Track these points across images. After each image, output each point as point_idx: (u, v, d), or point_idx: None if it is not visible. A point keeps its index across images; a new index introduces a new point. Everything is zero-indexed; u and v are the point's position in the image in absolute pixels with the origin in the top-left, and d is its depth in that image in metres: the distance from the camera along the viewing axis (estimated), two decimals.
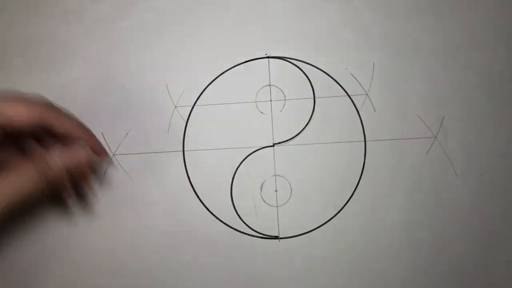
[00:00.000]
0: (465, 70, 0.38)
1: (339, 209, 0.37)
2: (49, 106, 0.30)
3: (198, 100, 0.39)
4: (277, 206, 0.38)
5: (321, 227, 0.37)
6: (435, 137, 0.38)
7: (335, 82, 0.39)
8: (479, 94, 0.38)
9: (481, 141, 0.38)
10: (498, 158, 0.37)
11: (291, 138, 0.38)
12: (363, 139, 0.38)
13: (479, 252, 0.37)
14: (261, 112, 0.39)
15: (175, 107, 0.39)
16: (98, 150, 0.33)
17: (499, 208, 0.37)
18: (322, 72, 0.39)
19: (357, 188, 0.38)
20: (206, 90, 0.39)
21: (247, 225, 0.37)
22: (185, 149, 0.38)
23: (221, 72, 0.39)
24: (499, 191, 0.37)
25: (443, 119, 0.38)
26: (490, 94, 0.38)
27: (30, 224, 0.38)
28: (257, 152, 0.38)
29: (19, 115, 0.27)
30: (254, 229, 0.37)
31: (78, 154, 0.30)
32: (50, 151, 0.29)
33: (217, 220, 0.38)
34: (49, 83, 0.39)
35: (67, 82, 0.39)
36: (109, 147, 0.38)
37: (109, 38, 0.39)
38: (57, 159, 0.29)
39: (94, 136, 0.34)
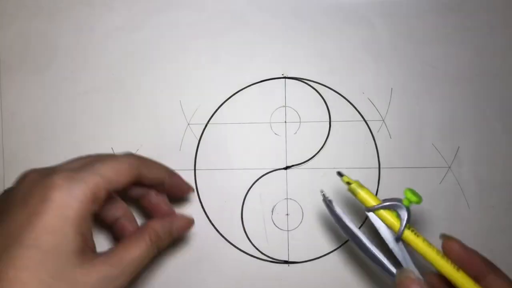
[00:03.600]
0: (482, 101, 0.38)
1: None
2: (140, 159, 0.30)
3: (212, 118, 0.38)
4: (287, 230, 0.37)
5: (332, 253, 0.37)
6: (449, 167, 0.38)
7: (351, 106, 0.38)
8: (495, 126, 0.38)
9: (495, 173, 0.38)
10: (510, 192, 0.37)
11: (304, 162, 0.38)
12: (377, 166, 0.38)
13: None
14: (275, 134, 0.38)
15: (188, 124, 0.38)
16: (184, 189, 0.35)
17: (509, 242, 0.37)
18: (339, 95, 0.38)
19: None
20: (220, 108, 0.38)
21: (256, 248, 0.37)
22: (196, 168, 0.37)
23: (237, 90, 0.38)
24: (510, 224, 0.37)
25: (458, 149, 0.38)
26: (505, 126, 0.38)
27: None
28: (269, 174, 0.38)
29: (120, 173, 0.27)
30: (264, 252, 0.37)
31: (183, 222, 0.33)
32: (156, 222, 0.30)
33: (226, 242, 0.37)
34: (59, 95, 0.38)
35: (77, 95, 0.38)
36: None
37: (122, 51, 0.38)
38: (167, 231, 0.30)
39: (178, 175, 0.34)
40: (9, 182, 0.38)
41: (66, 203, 0.24)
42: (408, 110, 0.38)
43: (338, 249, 0.37)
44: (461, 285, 0.26)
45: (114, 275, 0.25)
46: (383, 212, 0.29)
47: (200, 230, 0.37)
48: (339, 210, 0.31)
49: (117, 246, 0.27)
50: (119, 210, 0.32)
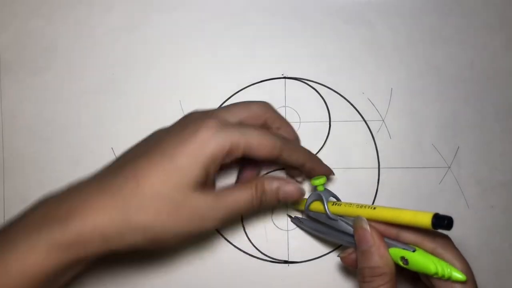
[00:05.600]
0: (482, 101, 0.38)
1: None
2: (285, 143, 0.32)
3: None
4: (287, 230, 0.37)
5: (331, 253, 0.37)
6: (449, 167, 0.38)
7: (351, 106, 0.38)
8: (495, 126, 0.38)
9: (494, 173, 0.38)
10: (510, 192, 0.37)
11: None
12: (377, 166, 0.38)
13: (488, 286, 0.37)
14: None
15: None
16: (323, 173, 0.35)
17: (509, 242, 0.37)
18: (339, 95, 0.38)
19: None
20: None
21: (256, 248, 0.37)
22: None
23: (236, 90, 0.38)
24: (510, 224, 0.37)
25: (457, 149, 0.38)
26: (506, 126, 0.38)
27: None
28: (269, 174, 0.38)
29: (261, 149, 0.30)
30: (264, 252, 0.37)
31: (291, 188, 0.32)
32: (266, 178, 0.32)
33: (227, 242, 0.37)
34: (59, 95, 0.38)
35: (77, 95, 0.38)
36: None
37: (122, 51, 0.38)
38: (274, 189, 0.31)
39: (317, 159, 0.35)
40: (9, 182, 0.38)
41: (207, 142, 0.28)
42: (408, 110, 0.38)
43: (337, 249, 0.37)
44: (381, 216, 0.30)
45: (214, 210, 0.29)
46: (313, 206, 0.34)
47: None
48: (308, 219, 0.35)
49: (226, 189, 0.31)
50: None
